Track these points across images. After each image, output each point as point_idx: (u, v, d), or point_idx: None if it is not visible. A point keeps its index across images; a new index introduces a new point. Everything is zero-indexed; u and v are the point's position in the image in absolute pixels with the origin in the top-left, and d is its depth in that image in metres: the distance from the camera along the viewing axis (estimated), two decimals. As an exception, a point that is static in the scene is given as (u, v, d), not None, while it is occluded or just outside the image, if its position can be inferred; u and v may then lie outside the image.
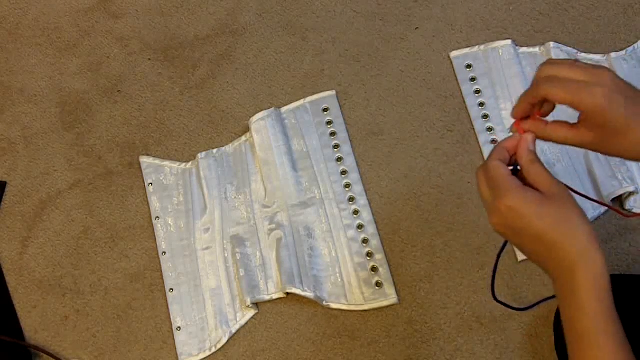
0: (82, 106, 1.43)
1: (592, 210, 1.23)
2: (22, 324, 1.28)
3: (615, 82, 0.76)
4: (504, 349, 1.17)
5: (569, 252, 0.74)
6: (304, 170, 1.32)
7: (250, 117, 1.35)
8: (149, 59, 1.46)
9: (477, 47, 1.37)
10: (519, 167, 0.81)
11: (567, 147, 1.25)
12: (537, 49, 1.36)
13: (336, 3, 1.46)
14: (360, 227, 1.27)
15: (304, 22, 1.45)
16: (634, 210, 1.22)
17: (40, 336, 1.27)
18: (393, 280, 1.23)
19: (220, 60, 1.44)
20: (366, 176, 1.31)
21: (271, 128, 1.33)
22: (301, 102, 1.37)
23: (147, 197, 1.35)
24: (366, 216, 1.28)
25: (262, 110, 1.35)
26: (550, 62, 0.82)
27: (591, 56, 1.34)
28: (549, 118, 0.84)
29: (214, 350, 1.23)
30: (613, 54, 1.34)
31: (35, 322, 1.28)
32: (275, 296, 1.24)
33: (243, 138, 1.36)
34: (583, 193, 0.89)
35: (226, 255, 1.28)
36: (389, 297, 1.22)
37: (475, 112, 1.33)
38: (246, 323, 1.24)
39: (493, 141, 1.29)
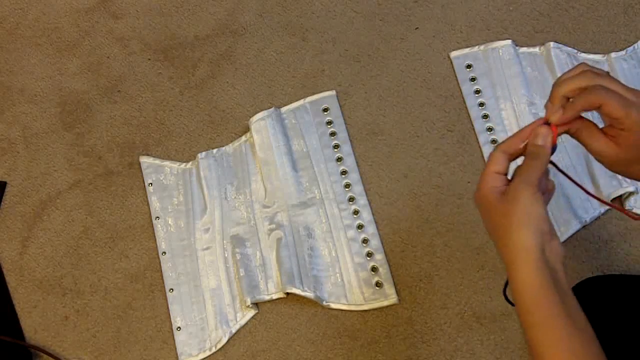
0: (82, 106, 1.43)
1: (593, 210, 1.23)
2: (22, 324, 1.28)
3: None
4: (504, 348, 1.17)
5: (512, 248, 0.77)
6: (304, 170, 1.32)
7: (250, 117, 1.35)
8: (149, 59, 1.46)
9: (477, 47, 1.37)
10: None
11: (568, 147, 1.26)
12: (537, 49, 1.36)
13: (336, 3, 1.46)
14: (360, 227, 1.27)
15: (304, 22, 1.45)
16: (634, 210, 1.22)
17: (40, 336, 1.27)
18: (393, 280, 1.23)
19: (220, 60, 1.44)
20: (366, 176, 1.31)
21: (271, 128, 1.33)
22: (301, 102, 1.38)
23: (147, 197, 1.35)
24: (366, 216, 1.28)
25: (262, 110, 1.35)
26: (592, 71, 0.80)
27: (591, 56, 1.34)
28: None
29: (214, 350, 1.23)
30: (613, 54, 1.34)
31: (35, 322, 1.28)
32: (275, 296, 1.24)
33: (243, 138, 1.36)
34: (600, 198, 0.90)
35: (226, 255, 1.28)
36: (389, 297, 1.22)
37: (475, 112, 1.33)
38: (246, 323, 1.24)
39: (493, 141, 1.29)
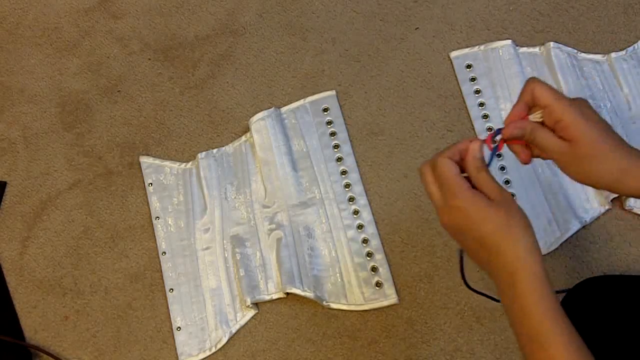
0: (82, 106, 1.43)
1: (592, 211, 1.23)
2: (22, 324, 1.28)
3: (591, 108, 0.80)
4: (504, 349, 1.17)
5: (509, 258, 0.76)
6: (304, 170, 1.32)
7: (250, 117, 1.35)
8: (149, 59, 1.46)
9: (477, 47, 1.37)
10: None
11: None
12: (537, 49, 1.36)
13: (336, 3, 1.46)
14: (360, 227, 1.27)
15: (304, 22, 1.45)
16: (634, 210, 1.22)
17: (40, 336, 1.27)
18: (393, 280, 1.23)
19: (220, 60, 1.44)
20: (366, 176, 1.31)
21: (271, 128, 1.33)
22: (301, 102, 1.38)
23: (147, 197, 1.35)
24: (366, 216, 1.28)
25: (262, 110, 1.35)
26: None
27: (591, 56, 1.34)
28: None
29: (214, 350, 1.23)
30: (613, 54, 1.34)
31: (35, 322, 1.28)
32: (275, 296, 1.24)
33: (243, 138, 1.36)
34: None
35: (226, 255, 1.28)
36: (389, 297, 1.22)
37: (475, 112, 1.33)
38: (246, 323, 1.24)
39: (494, 142, 1.29)
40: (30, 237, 1.34)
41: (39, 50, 1.50)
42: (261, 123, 1.33)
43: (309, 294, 1.21)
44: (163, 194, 1.34)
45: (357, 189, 1.30)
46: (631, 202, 1.22)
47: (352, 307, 1.22)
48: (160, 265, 1.30)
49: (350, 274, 1.24)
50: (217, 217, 1.31)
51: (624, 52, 1.34)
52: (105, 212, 1.35)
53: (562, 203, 1.23)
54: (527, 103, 0.82)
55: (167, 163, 1.36)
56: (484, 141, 0.83)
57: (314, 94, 1.38)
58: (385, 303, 1.22)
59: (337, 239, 1.27)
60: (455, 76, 1.36)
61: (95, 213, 1.35)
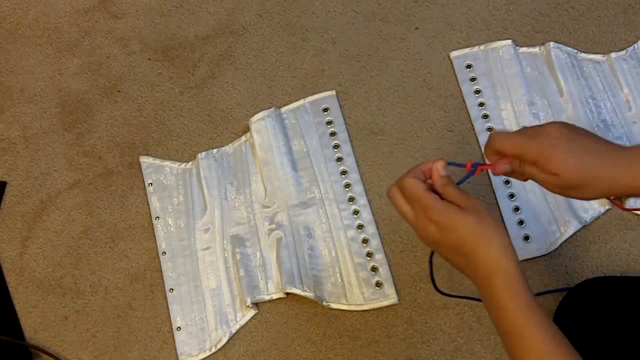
0: (82, 106, 1.43)
1: (592, 211, 1.23)
2: (22, 324, 1.28)
3: (561, 131, 0.81)
4: (504, 349, 1.17)
5: (483, 260, 0.80)
6: (304, 170, 1.32)
7: (250, 117, 1.35)
8: (149, 59, 1.46)
9: (477, 47, 1.37)
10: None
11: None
12: (537, 49, 1.36)
13: (336, 3, 1.46)
14: (360, 227, 1.27)
15: (304, 22, 1.45)
16: (634, 211, 1.22)
17: (40, 336, 1.27)
18: (393, 280, 1.23)
19: (220, 60, 1.44)
20: (366, 176, 1.31)
21: (271, 128, 1.33)
22: (301, 102, 1.38)
23: (147, 197, 1.35)
24: (366, 216, 1.28)
25: (262, 110, 1.35)
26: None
27: (591, 56, 1.34)
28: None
29: (214, 350, 1.23)
30: (613, 54, 1.34)
31: (35, 322, 1.28)
32: (275, 296, 1.24)
33: (243, 138, 1.36)
34: None
35: (226, 255, 1.28)
36: (389, 297, 1.22)
37: (475, 112, 1.33)
38: (246, 323, 1.24)
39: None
40: (30, 237, 1.34)
41: (39, 50, 1.50)
42: (261, 123, 1.33)
43: (309, 294, 1.21)
44: (163, 194, 1.34)
45: (357, 189, 1.30)
46: (631, 202, 1.22)
47: (352, 307, 1.22)
48: (160, 265, 1.30)
49: (350, 274, 1.24)
50: (217, 217, 1.31)
51: (624, 52, 1.34)
52: (105, 212, 1.35)
53: (562, 203, 1.23)
54: (496, 154, 0.85)
55: (167, 163, 1.36)
56: (465, 165, 0.88)
57: (314, 94, 1.38)
58: (385, 303, 1.22)
59: (337, 239, 1.27)
60: (455, 76, 1.36)
61: (95, 213, 1.35)
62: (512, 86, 1.32)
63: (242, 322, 1.24)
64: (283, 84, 1.40)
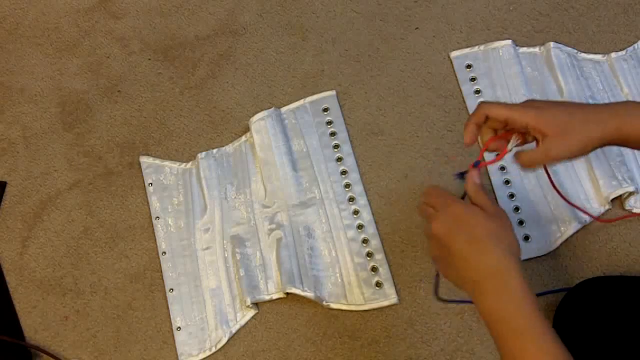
0: (82, 106, 1.43)
1: (592, 211, 1.23)
2: (22, 324, 1.28)
3: (542, 101, 0.93)
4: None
5: (493, 260, 0.83)
6: (304, 170, 1.32)
7: (250, 117, 1.35)
8: (149, 59, 1.46)
9: (477, 47, 1.37)
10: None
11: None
12: (537, 49, 1.36)
13: (336, 3, 1.46)
14: (360, 227, 1.27)
15: (304, 22, 1.45)
16: (634, 210, 1.22)
17: (40, 336, 1.27)
18: (393, 280, 1.23)
19: (220, 60, 1.44)
20: (366, 176, 1.31)
21: (271, 128, 1.33)
22: (301, 102, 1.38)
23: (147, 197, 1.35)
24: (366, 216, 1.28)
25: (262, 110, 1.35)
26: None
27: (591, 56, 1.34)
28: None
29: (214, 350, 1.23)
30: (613, 54, 1.34)
31: (35, 322, 1.28)
32: (275, 296, 1.24)
33: (243, 138, 1.36)
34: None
35: (226, 255, 1.28)
36: (389, 297, 1.22)
37: (475, 112, 1.32)
38: (246, 323, 1.24)
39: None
40: (30, 237, 1.34)
41: (39, 50, 1.50)
42: (261, 123, 1.33)
43: (309, 294, 1.21)
44: (163, 194, 1.34)
45: (357, 189, 1.30)
46: (631, 202, 1.22)
47: (352, 307, 1.22)
48: (160, 265, 1.30)
49: (350, 274, 1.24)
50: (217, 217, 1.31)
51: (624, 52, 1.34)
52: (105, 212, 1.35)
53: (562, 203, 1.23)
54: (478, 123, 0.93)
55: (167, 163, 1.36)
56: (476, 166, 0.93)
57: (314, 94, 1.38)
58: (386, 303, 1.22)
59: (337, 239, 1.27)
60: (455, 76, 1.36)
61: (95, 213, 1.35)
62: (512, 86, 1.32)
63: (242, 322, 1.24)
64: (283, 84, 1.40)
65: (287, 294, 1.23)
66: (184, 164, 1.36)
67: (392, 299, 1.22)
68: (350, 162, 1.32)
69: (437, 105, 1.35)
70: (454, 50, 1.38)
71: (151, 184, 1.35)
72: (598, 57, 1.35)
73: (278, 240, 1.27)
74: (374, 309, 1.22)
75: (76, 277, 1.31)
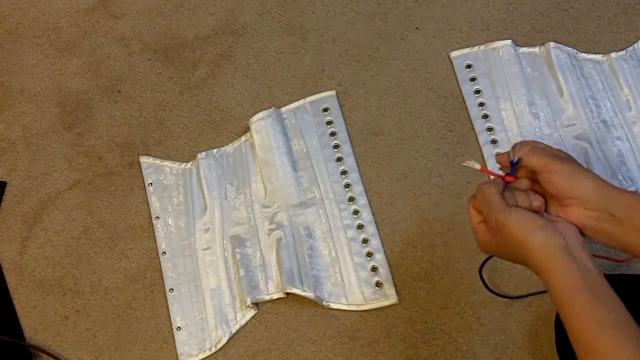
0: (82, 106, 1.43)
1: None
2: (22, 324, 1.28)
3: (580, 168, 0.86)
4: (504, 349, 1.17)
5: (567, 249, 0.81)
6: (304, 170, 1.32)
7: (250, 117, 1.35)
8: (149, 59, 1.46)
9: (477, 47, 1.37)
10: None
11: (567, 147, 1.26)
12: (537, 49, 1.36)
13: (336, 3, 1.46)
14: (360, 227, 1.27)
15: (304, 22, 1.45)
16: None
17: (40, 336, 1.27)
18: (393, 280, 1.23)
19: (220, 60, 1.44)
20: (366, 176, 1.31)
21: (271, 128, 1.33)
22: (301, 102, 1.38)
23: (147, 197, 1.35)
24: (366, 216, 1.28)
25: (262, 110, 1.35)
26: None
27: (591, 56, 1.34)
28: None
29: (214, 350, 1.23)
30: (613, 54, 1.34)
31: (35, 322, 1.28)
32: (275, 296, 1.24)
33: (243, 138, 1.36)
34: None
35: (226, 255, 1.28)
36: (389, 297, 1.22)
37: (475, 112, 1.32)
38: (246, 323, 1.24)
39: (493, 141, 1.29)
40: (30, 237, 1.34)
41: (39, 50, 1.50)
42: (261, 123, 1.33)
43: (309, 294, 1.21)
44: (163, 194, 1.34)
45: (357, 189, 1.30)
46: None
47: (352, 307, 1.22)
48: (160, 265, 1.30)
49: (350, 274, 1.24)
50: (217, 217, 1.31)
51: (624, 52, 1.34)
52: (105, 212, 1.35)
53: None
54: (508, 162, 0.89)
55: (167, 163, 1.36)
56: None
57: (314, 94, 1.38)
58: (386, 303, 1.22)
59: (337, 239, 1.27)
60: (455, 76, 1.36)
61: (95, 213, 1.35)
62: (512, 86, 1.32)
63: (242, 322, 1.24)
64: (283, 84, 1.40)
65: (287, 294, 1.23)
66: (184, 164, 1.36)
67: (392, 299, 1.22)
68: (350, 162, 1.32)
69: (437, 105, 1.34)
70: (454, 50, 1.38)
71: (151, 184, 1.35)
72: (598, 57, 1.35)
73: (278, 240, 1.27)
74: (374, 309, 1.22)
75: (76, 277, 1.31)
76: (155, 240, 1.31)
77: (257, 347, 1.23)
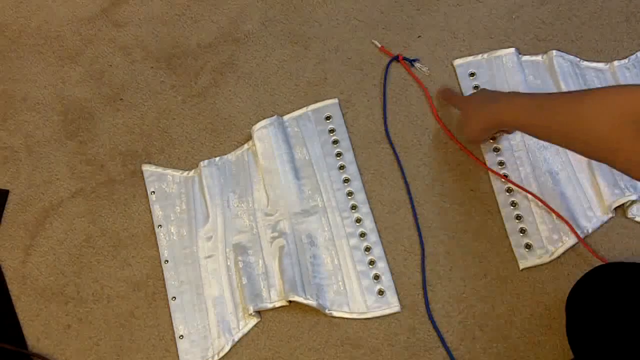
0: (84, 114, 1.44)
1: (595, 219, 1.23)
2: (25, 333, 1.28)
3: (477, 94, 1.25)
4: (506, 357, 1.17)
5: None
6: (306, 178, 1.32)
7: (252, 125, 1.35)
8: (152, 67, 1.46)
9: (480, 55, 1.37)
10: None
11: (570, 156, 1.27)
12: (540, 57, 1.36)
13: (339, 11, 1.46)
14: (362, 235, 1.27)
15: (307, 31, 1.45)
16: (637, 219, 1.22)
17: (43, 344, 1.27)
18: (395, 288, 1.23)
19: (223, 69, 1.44)
20: (368, 184, 1.31)
21: (274, 136, 1.33)
22: (304, 110, 1.38)
23: (149, 205, 1.35)
24: (368, 224, 1.28)
25: (264, 119, 1.35)
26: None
27: (594, 64, 1.34)
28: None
29: (216, 358, 1.23)
30: (616, 62, 1.34)
31: (37, 330, 1.28)
32: (277, 304, 1.24)
33: (245, 146, 1.36)
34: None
35: (229, 263, 1.28)
36: (392, 305, 1.22)
37: (477, 120, 1.32)
38: (249, 331, 1.24)
39: (495, 149, 1.29)
40: (33, 245, 1.34)
41: (42, 59, 1.50)
42: (263, 131, 1.33)
43: (312, 302, 1.21)
44: (165, 202, 1.34)
45: (360, 197, 1.30)
46: (634, 211, 1.22)
47: (355, 315, 1.22)
48: (162, 273, 1.30)
49: (352, 282, 1.24)
50: (220, 225, 1.31)
51: (626, 60, 1.34)
52: (107, 220, 1.35)
53: (564, 212, 1.23)
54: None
55: (170, 171, 1.36)
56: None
57: (316, 102, 1.38)
58: (388, 311, 1.22)
59: (340, 247, 1.27)
60: (459, 84, 1.36)
61: (98, 221, 1.35)
62: (514, 94, 1.32)
63: (245, 330, 1.24)
64: (285, 92, 1.40)
65: (290, 302, 1.23)
66: (187, 172, 1.36)
67: (395, 307, 1.22)
68: (352, 170, 1.32)
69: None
70: (457, 58, 1.38)
71: (154, 192, 1.35)
72: (601, 65, 1.35)
73: (280, 248, 1.27)
74: (376, 317, 1.22)
75: (78, 286, 1.31)
76: (158, 248, 1.31)
77: (259, 356, 1.22)
